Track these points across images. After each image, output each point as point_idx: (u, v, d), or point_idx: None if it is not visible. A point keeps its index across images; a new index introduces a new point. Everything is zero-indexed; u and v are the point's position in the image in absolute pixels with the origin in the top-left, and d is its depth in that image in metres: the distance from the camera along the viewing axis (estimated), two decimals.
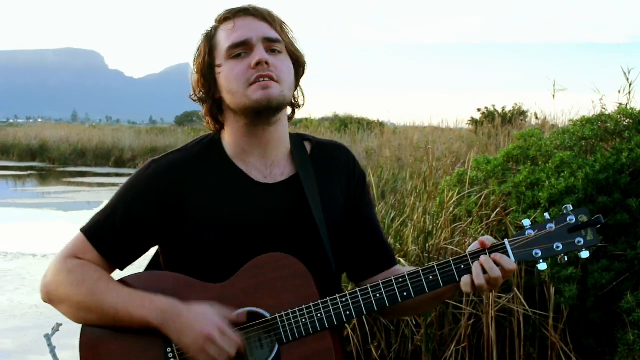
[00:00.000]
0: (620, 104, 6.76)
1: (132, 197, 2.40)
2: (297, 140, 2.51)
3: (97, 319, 2.32)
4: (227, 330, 2.21)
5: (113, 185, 26.16)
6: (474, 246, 2.29)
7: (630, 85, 7.05)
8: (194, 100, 2.48)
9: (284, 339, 2.23)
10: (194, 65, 2.44)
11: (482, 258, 2.22)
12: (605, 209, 5.64)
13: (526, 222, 2.25)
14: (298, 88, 2.48)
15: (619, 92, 7.07)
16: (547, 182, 5.78)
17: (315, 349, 2.23)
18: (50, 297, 2.40)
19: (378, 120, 24.84)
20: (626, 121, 6.19)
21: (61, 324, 4.02)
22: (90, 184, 26.65)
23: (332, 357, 2.24)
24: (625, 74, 7.10)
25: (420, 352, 5.78)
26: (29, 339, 7.54)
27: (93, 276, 2.33)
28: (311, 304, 2.24)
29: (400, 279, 2.24)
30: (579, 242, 2.22)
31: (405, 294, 2.23)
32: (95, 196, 22.48)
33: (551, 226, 2.24)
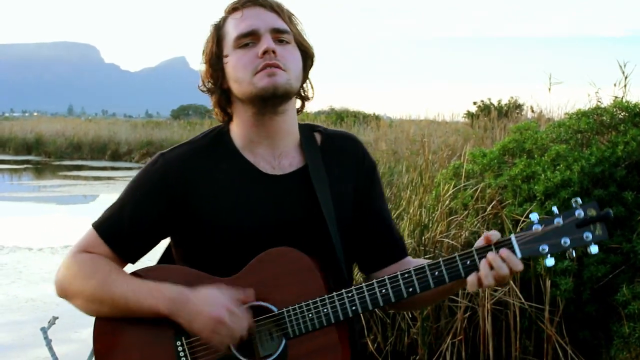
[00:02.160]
0: (616, 97, 6.77)
1: (140, 192, 2.41)
2: (307, 130, 2.50)
3: (108, 311, 2.34)
4: (236, 310, 2.21)
5: (109, 178, 26.16)
6: (481, 242, 2.24)
7: (626, 78, 7.05)
8: (203, 91, 2.47)
9: (290, 333, 2.23)
10: (202, 56, 2.43)
11: (490, 256, 2.17)
12: (601, 202, 5.64)
13: (533, 217, 2.18)
14: (307, 81, 2.47)
15: (615, 85, 7.08)
16: (542, 175, 5.79)
17: (321, 344, 2.23)
18: (64, 292, 2.42)
19: (374, 114, 24.87)
20: (622, 114, 6.20)
21: (57, 317, 4.02)
22: (86, 178, 26.62)
23: (339, 352, 2.24)
24: (621, 66, 7.10)
25: (416, 345, 5.79)
26: (26, 333, 7.54)
27: (104, 269, 2.35)
28: (317, 299, 2.23)
29: (406, 274, 2.22)
30: (587, 237, 2.14)
31: (410, 289, 2.21)
32: (91, 190, 22.48)
33: (559, 221, 2.15)
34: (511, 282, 5.50)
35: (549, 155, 5.96)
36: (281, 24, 2.35)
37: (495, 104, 20.58)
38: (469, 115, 20.69)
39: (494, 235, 2.20)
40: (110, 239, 2.39)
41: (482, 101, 21.44)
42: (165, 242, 2.52)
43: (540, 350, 5.54)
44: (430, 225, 6.27)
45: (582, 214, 2.13)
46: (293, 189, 2.37)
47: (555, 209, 2.18)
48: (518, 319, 5.50)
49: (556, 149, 5.96)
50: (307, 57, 2.43)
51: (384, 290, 2.22)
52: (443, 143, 11.94)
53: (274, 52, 2.28)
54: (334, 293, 2.23)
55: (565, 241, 2.15)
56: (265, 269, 2.27)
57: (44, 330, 4.03)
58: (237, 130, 2.42)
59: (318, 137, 2.49)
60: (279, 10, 2.37)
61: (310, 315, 2.22)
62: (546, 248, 2.16)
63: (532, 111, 15.10)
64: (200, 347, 2.28)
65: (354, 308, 2.22)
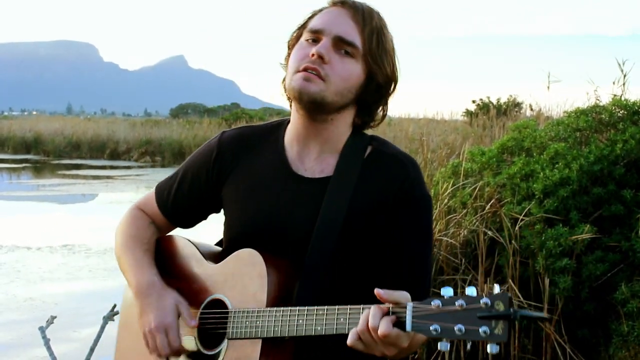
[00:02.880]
0: (615, 95, 6.77)
1: (194, 161, 2.53)
2: (360, 141, 2.39)
3: (122, 270, 2.51)
4: (172, 333, 2.30)
5: (108, 177, 26.16)
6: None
7: (624, 76, 7.06)
8: (283, 69, 2.42)
9: (230, 334, 2.23)
10: (290, 36, 2.42)
11: (373, 307, 1.95)
12: (599, 200, 5.65)
13: (446, 291, 1.88)
14: (379, 105, 2.39)
15: (614, 83, 7.08)
16: (541, 173, 5.79)
17: (242, 354, 2.20)
18: (115, 236, 2.59)
19: None
20: (620, 112, 6.20)
21: (55, 317, 4.03)
22: (85, 177, 26.60)
23: None
24: (619, 65, 7.10)
25: None
26: (24, 332, 7.53)
27: (131, 231, 2.54)
28: (256, 309, 2.18)
29: (320, 311, 2.07)
30: (484, 332, 1.80)
31: (319, 328, 2.06)
32: (90, 188, 22.46)
33: (461, 304, 1.84)
34: (510, 280, 5.50)
35: (548, 154, 5.97)
36: (350, 35, 2.27)
37: (494, 102, 20.59)
38: (468, 113, 20.70)
39: (394, 297, 1.95)
40: (159, 201, 2.56)
41: (481, 99, 21.46)
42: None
43: (539, 349, 5.54)
44: None
45: (488, 304, 1.82)
46: (311, 194, 2.32)
47: (470, 289, 1.86)
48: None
49: (555, 147, 5.96)
50: (373, 80, 2.31)
51: (300, 321, 2.10)
52: (442, 141, 11.95)
53: (321, 57, 2.23)
54: (270, 309, 2.16)
55: (460, 329, 1.83)
56: (235, 266, 2.29)
57: (42, 330, 4.03)
58: (289, 125, 2.44)
59: (369, 149, 2.38)
60: (362, 21, 2.29)
61: (246, 322, 2.19)
62: (438, 329, 1.86)
63: (531, 109, 15.12)
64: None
65: (276, 329, 2.14)
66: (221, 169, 2.44)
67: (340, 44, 2.26)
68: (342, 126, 2.36)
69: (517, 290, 5.49)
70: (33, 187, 23.28)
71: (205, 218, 2.60)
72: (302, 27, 2.36)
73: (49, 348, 3.88)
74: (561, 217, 5.61)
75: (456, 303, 1.84)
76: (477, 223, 6.04)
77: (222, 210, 2.51)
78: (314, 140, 2.36)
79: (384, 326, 1.89)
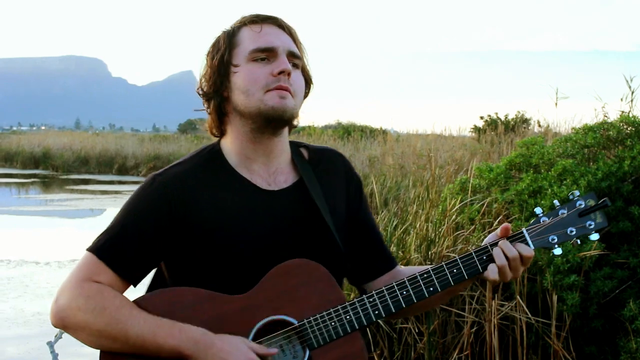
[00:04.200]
0: (623, 111, 6.77)
1: (140, 212, 2.34)
2: (294, 147, 2.52)
3: (120, 347, 2.25)
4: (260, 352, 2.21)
5: (116, 192, 26.19)
6: (492, 237, 2.38)
7: (632, 93, 7.06)
8: (199, 95, 2.44)
9: (314, 343, 2.23)
10: (206, 58, 2.42)
11: (501, 243, 2.31)
12: (607, 217, 5.64)
13: (538, 210, 2.33)
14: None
15: (621, 99, 7.08)
16: (549, 190, 5.78)
17: (347, 352, 2.24)
18: (65, 323, 2.29)
19: (381, 128, 24.85)
20: (628, 129, 6.20)
21: (64, 332, 4.03)
22: (93, 192, 26.66)
23: (365, 358, 2.27)
24: (627, 81, 7.11)
25: (423, 359, 5.78)
26: (32, 347, 7.55)
27: (114, 303, 2.25)
28: (339, 306, 2.25)
29: (425, 275, 2.29)
30: (589, 225, 2.32)
31: (431, 289, 2.29)
32: (98, 204, 22.50)
33: (563, 212, 2.32)
34: (518, 297, 5.49)
35: (556, 170, 5.96)
36: (296, 49, 2.38)
37: (502, 118, 20.56)
38: (476, 129, 20.68)
39: (508, 228, 2.34)
40: (113, 263, 2.30)
41: (489, 116, 21.43)
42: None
43: None
44: (437, 240, 6.26)
45: (583, 204, 2.33)
46: (291, 203, 2.39)
47: (556, 201, 2.35)
48: (525, 334, 5.49)
49: (563, 164, 5.96)
50: (307, 86, 2.47)
51: (405, 292, 2.27)
52: (450, 158, 11.96)
53: (288, 74, 2.30)
54: (355, 299, 2.25)
55: (572, 230, 2.31)
56: (280, 283, 2.26)
57: (50, 345, 4.04)
58: (232, 147, 2.41)
59: (305, 152, 2.52)
60: (294, 36, 2.41)
61: (332, 323, 2.23)
62: (555, 238, 2.31)
63: (539, 126, 15.10)
64: None
65: (376, 312, 2.26)
66: (183, 209, 2.32)
67: (292, 58, 2.36)
68: (286, 134, 2.47)
69: (525, 307, 5.47)
70: (41, 202, 23.32)
71: (153, 269, 2.43)
72: (229, 49, 2.36)
73: None
74: None
75: (559, 213, 2.33)
76: (484, 239, 6.03)
77: (171, 255, 2.38)
78: (271, 155, 2.41)
79: (525, 250, 2.32)
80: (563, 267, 5.33)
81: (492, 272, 2.29)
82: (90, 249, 2.35)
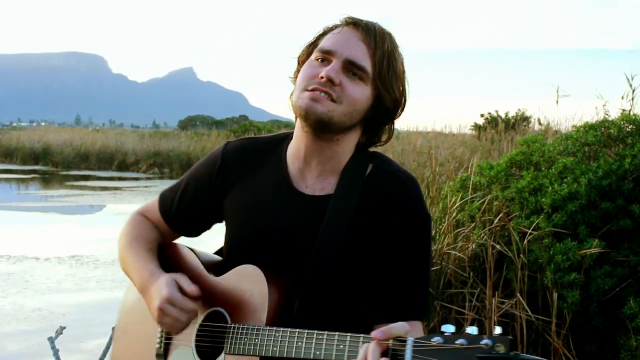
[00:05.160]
0: (624, 110, 6.77)
1: (198, 170, 2.55)
2: (362, 159, 2.40)
3: (124, 269, 2.54)
4: (177, 300, 2.24)
5: (116, 189, 26.19)
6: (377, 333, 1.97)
7: (633, 91, 7.06)
8: (292, 83, 2.43)
9: (229, 349, 2.22)
10: (300, 52, 2.43)
11: (371, 344, 1.93)
12: (608, 215, 5.65)
13: (447, 328, 1.86)
14: (385, 126, 2.41)
15: (622, 98, 7.08)
16: (550, 187, 5.79)
17: None
18: (118, 242, 2.59)
19: None
20: (629, 127, 6.20)
21: (64, 327, 4.04)
22: (93, 188, 26.65)
23: None
24: (628, 79, 7.11)
25: None
26: (33, 342, 7.54)
27: (135, 233, 2.56)
28: (255, 326, 2.18)
29: (320, 335, 2.07)
30: None
31: (317, 352, 2.05)
32: (98, 200, 22.51)
33: (462, 342, 1.82)
34: (518, 294, 5.49)
35: (556, 168, 5.96)
36: (361, 59, 2.27)
37: (503, 116, 20.58)
38: (477, 127, 20.70)
39: (393, 332, 1.92)
40: (163, 209, 2.59)
41: (489, 113, 21.45)
42: None
43: None
44: (437, 238, 6.26)
45: (489, 345, 1.80)
46: (311, 211, 2.32)
47: (471, 329, 1.85)
48: (525, 331, 5.49)
49: (563, 162, 5.96)
50: (381, 105, 2.33)
51: (299, 343, 2.10)
52: (450, 155, 11.95)
53: (331, 80, 2.23)
54: (269, 327, 2.16)
55: None
56: (236, 280, 2.29)
57: (51, 340, 4.04)
58: (292, 140, 2.44)
59: (369, 168, 2.38)
60: (374, 45, 2.29)
61: (245, 339, 2.18)
62: None
63: (540, 124, 15.11)
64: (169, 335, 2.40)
65: (274, 349, 2.13)
66: (224, 180, 2.46)
67: (351, 67, 2.26)
68: (347, 146, 2.37)
69: (525, 305, 5.48)
70: (41, 197, 23.31)
71: (208, 228, 2.61)
72: (313, 44, 2.37)
73: (58, 359, 3.89)
74: (569, 231, 5.61)
75: (457, 341, 1.82)
76: (485, 237, 6.04)
77: (224, 221, 2.53)
78: (316, 159, 2.36)
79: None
80: (563, 264, 5.34)
81: None
82: (160, 192, 2.67)
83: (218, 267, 2.40)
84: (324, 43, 2.32)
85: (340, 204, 2.30)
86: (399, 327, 1.91)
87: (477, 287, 5.86)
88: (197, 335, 2.33)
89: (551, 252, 5.43)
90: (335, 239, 2.27)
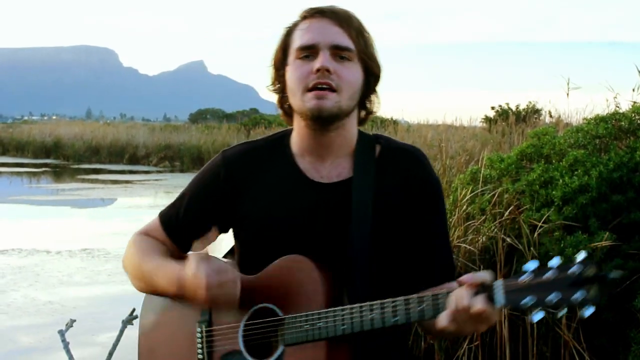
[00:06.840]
0: (635, 102, 6.74)
1: (198, 184, 2.53)
2: (367, 142, 2.47)
3: (145, 287, 2.48)
4: (221, 268, 2.24)
5: (127, 182, 26.27)
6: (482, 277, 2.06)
7: None
8: (270, 91, 2.49)
9: (287, 340, 2.22)
10: (272, 56, 2.46)
11: (457, 290, 2.03)
12: (619, 208, 5.63)
13: (529, 266, 1.95)
14: (374, 94, 2.47)
15: (633, 90, 7.05)
16: (560, 180, 5.77)
17: (309, 358, 2.21)
18: (124, 269, 2.56)
19: (392, 118, 24.81)
20: None
21: (75, 320, 4.05)
22: (104, 181, 26.75)
23: None
24: (639, 71, 7.07)
25: (433, 350, 5.78)
26: (44, 335, 7.58)
27: (148, 248, 2.50)
28: (315, 312, 2.19)
29: (392, 303, 2.12)
30: (578, 297, 1.86)
31: (396, 317, 2.10)
32: (109, 193, 22.59)
33: (552, 274, 1.90)
34: None
35: (567, 161, 5.95)
36: (343, 40, 2.33)
37: (514, 109, 20.52)
38: (487, 120, 20.66)
39: (479, 277, 2.02)
40: (167, 226, 2.54)
41: (500, 106, 21.39)
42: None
43: (557, 357, 5.52)
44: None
45: (579, 271, 1.87)
46: (333, 199, 2.36)
47: (556, 260, 1.94)
48: (535, 324, 5.48)
49: (574, 154, 5.94)
50: (370, 75, 2.41)
51: (375, 313, 2.13)
52: (461, 148, 11.94)
53: (328, 70, 2.28)
54: (331, 309, 2.18)
55: (554, 297, 1.89)
56: (279, 274, 2.28)
57: (61, 333, 4.05)
58: (294, 138, 2.46)
59: (378, 149, 2.46)
60: (346, 24, 2.35)
61: (306, 326, 2.19)
62: (530, 300, 1.91)
63: (550, 116, 15.06)
64: (216, 336, 2.34)
65: (344, 327, 2.15)
66: (234, 188, 2.44)
67: (337, 51, 2.32)
68: (352, 128, 2.45)
69: None
70: (52, 191, 23.40)
71: (213, 240, 2.52)
72: (284, 46, 2.40)
73: (68, 352, 3.90)
74: (580, 224, 5.59)
75: (545, 275, 1.91)
76: (495, 230, 6.02)
77: (229, 230, 2.51)
78: (327, 150, 2.41)
79: (480, 303, 1.97)
80: (574, 258, 5.32)
81: (441, 320, 2.05)
82: (160, 212, 2.61)
83: (247, 269, 2.37)
84: (300, 41, 2.35)
85: (362, 185, 2.36)
86: (482, 274, 2.03)
87: None
88: (243, 337, 2.30)
89: (562, 245, 5.42)
90: (367, 219, 2.32)
